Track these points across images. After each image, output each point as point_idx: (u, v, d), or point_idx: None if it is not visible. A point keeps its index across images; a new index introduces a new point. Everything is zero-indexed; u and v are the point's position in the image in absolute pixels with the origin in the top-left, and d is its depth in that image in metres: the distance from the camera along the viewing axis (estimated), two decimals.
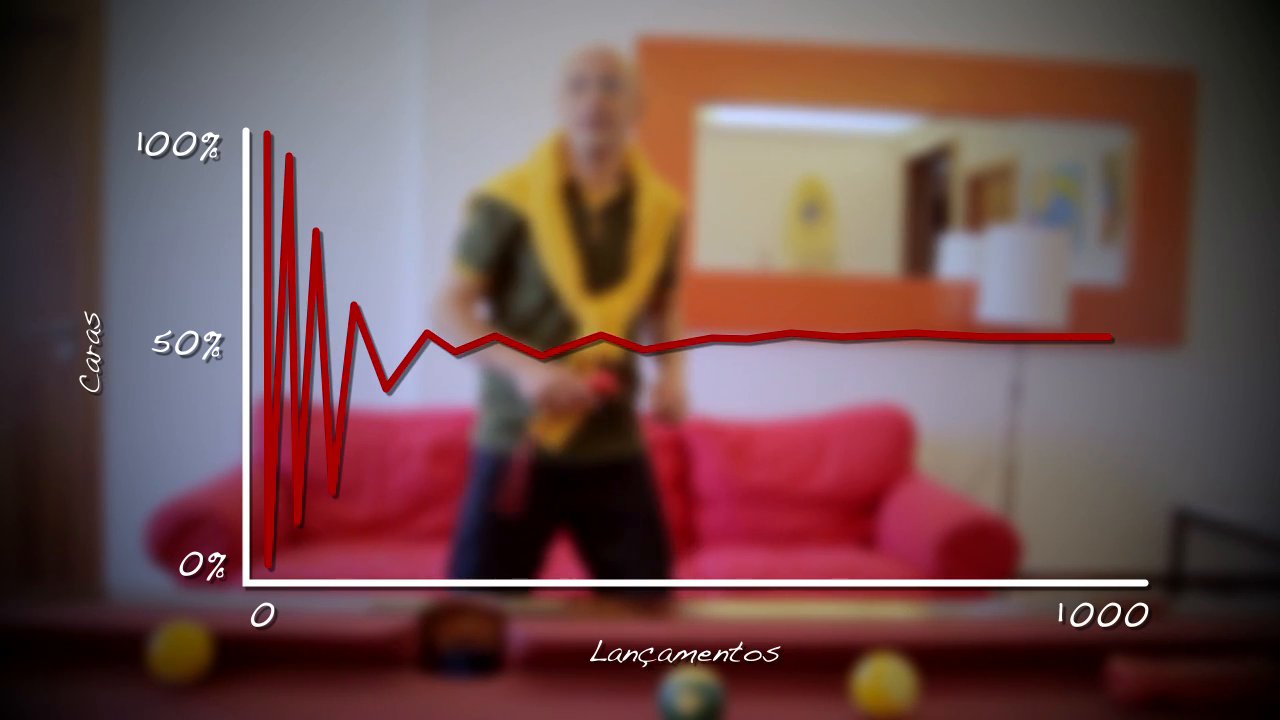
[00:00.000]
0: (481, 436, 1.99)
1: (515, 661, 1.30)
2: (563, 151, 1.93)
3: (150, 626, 1.22)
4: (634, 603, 1.69)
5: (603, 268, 1.90)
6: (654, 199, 1.95)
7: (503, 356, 1.84)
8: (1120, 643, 1.30)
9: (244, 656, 1.25)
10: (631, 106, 1.92)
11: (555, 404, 1.79)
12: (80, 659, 1.25)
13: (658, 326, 2.09)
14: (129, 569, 3.40)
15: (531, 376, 1.80)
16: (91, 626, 1.28)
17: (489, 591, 1.88)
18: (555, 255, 1.86)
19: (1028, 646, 1.33)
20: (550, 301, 1.89)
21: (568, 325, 1.88)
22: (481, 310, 1.98)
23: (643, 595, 1.96)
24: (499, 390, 1.95)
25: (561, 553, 2.06)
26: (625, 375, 1.95)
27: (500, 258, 1.91)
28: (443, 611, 1.36)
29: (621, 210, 1.94)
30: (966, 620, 1.49)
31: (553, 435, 1.89)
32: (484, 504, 1.94)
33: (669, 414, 1.90)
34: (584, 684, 1.26)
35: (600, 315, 1.86)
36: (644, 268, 1.92)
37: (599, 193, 1.92)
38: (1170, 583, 3.66)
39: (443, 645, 1.33)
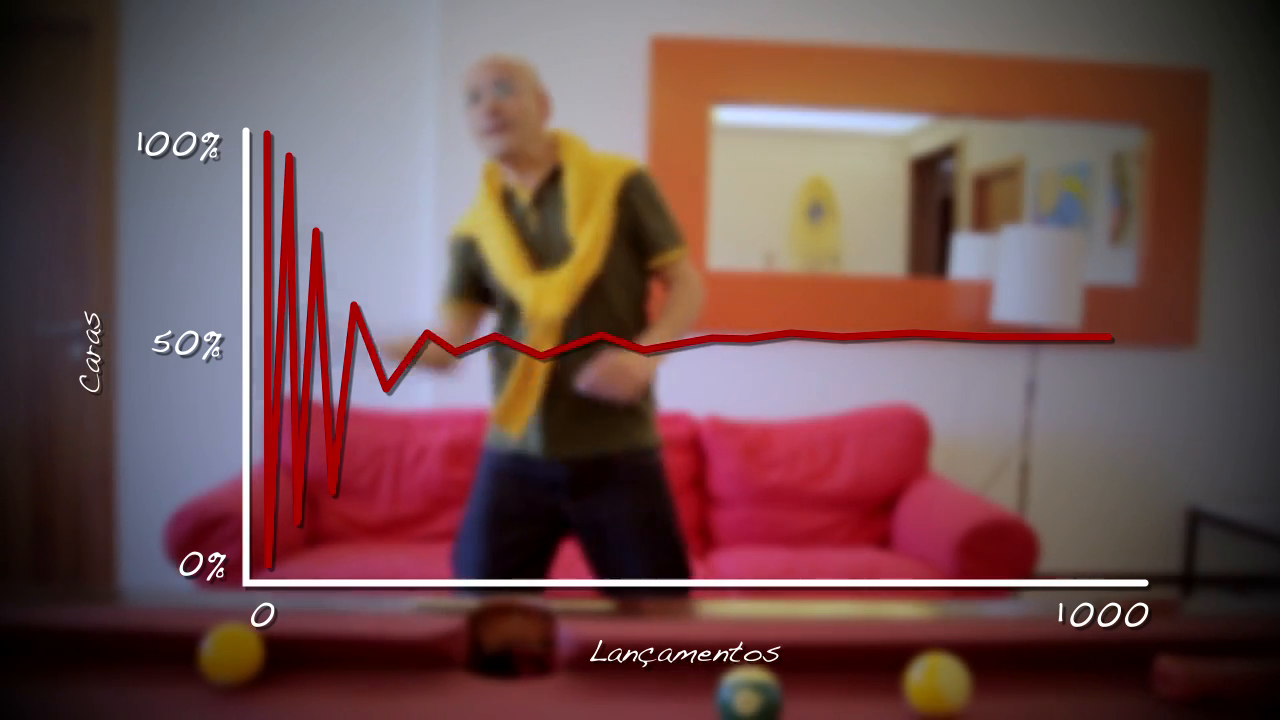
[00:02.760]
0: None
1: (561, 662, 1.30)
2: (494, 168, 1.98)
3: (196, 629, 1.22)
4: (653, 604, 1.67)
5: (547, 253, 1.90)
6: (581, 171, 1.91)
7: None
8: (1163, 641, 1.29)
9: (294, 658, 1.26)
10: (533, 105, 1.91)
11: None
12: (126, 661, 1.25)
13: (666, 304, 1.97)
14: (140, 569, 3.41)
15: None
16: (136, 629, 1.29)
17: (492, 591, 1.88)
18: (496, 254, 1.91)
19: (1070, 645, 1.33)
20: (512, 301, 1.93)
21: (514, 308, 1.91)
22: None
23: (654, 596, 1.93)
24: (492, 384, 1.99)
25: (570, 551, 2.05)
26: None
27: (469, 284, 2.00)
28: (485, 613, 1.36)
29: (554, 195, 1.93)
30: (1008, 619, 1.49)
31: (510, 424, 1.90)
32: (477, 497, 2.00)
33: (596, 380, 1.75)
34: (633, 685, 1.25)
35: (534, 288, 1.86)
36: (585, 237, 1.87)
37: (529, 187, 1.94)
38: (1184, 583, 3.64)
39: (486, 647, 1.33)
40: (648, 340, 1.88)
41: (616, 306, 1.91)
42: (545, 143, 1.94)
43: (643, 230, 1.93)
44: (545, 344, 1.85)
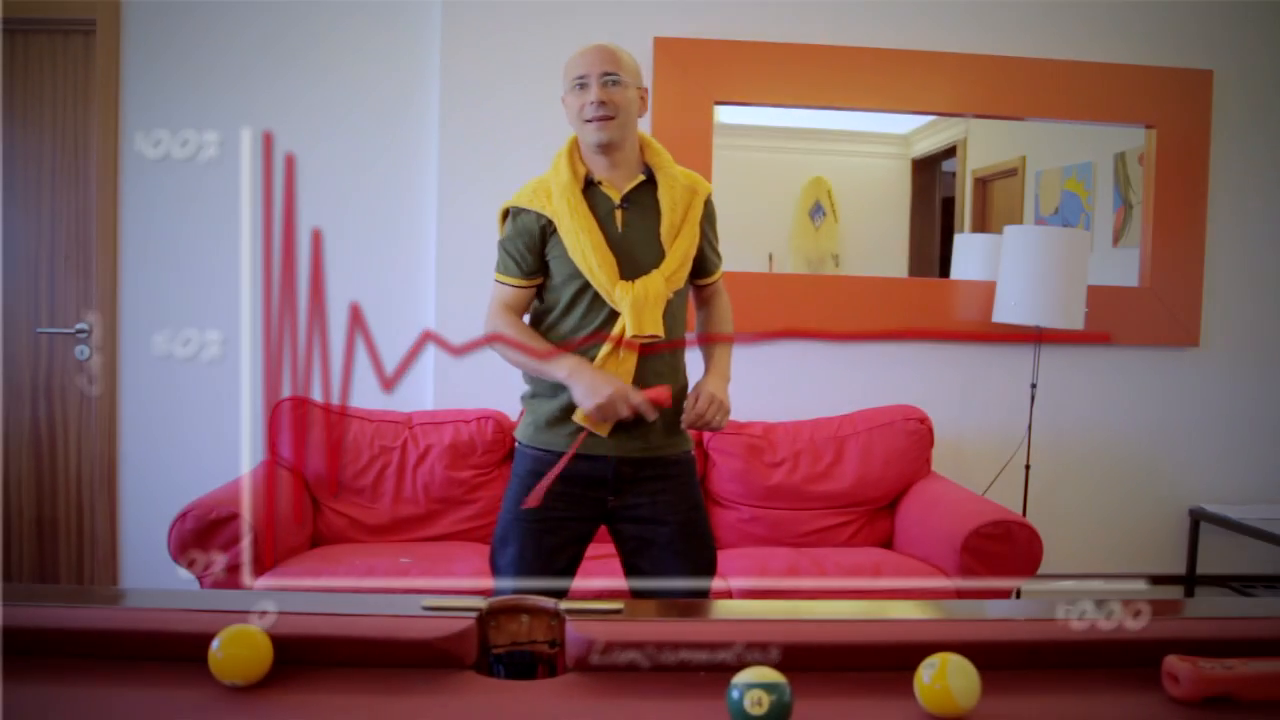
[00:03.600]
0: (522, 433, 2.02)
1: (570, 662, 1.29)
2: (576, 152, 1.97)
3: (201, 629, 1.22)
4: (665, 603, 1.68)
5: (633, 256, 1.92)
6: (677, 183, 1.98)
7: (559, 367, 1.87)
8: (1170, 641, 1.29)
9: (303, 658, 1.26)
10: (636, 99, 1.96)
11: (611, 415, 1.83)
12: (133, 662, 1.25)
13: (707, 320, 2.12)
14: (140, 569, 3.41)
15: (589, 388, 1.82)
16: (142, 629, 1.29)
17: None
18: (582, 250, 1.89)
19: (1077, 645, 1.32)
20: (587, 286, 1.92)
21: (604, 307, 1.92)
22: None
23: (680, 597, 1.95)
24: (542, 388, 1.97)
25: (595, 550, 2.05)
26: (674, 375, 1.96)
27: (536, 263, 1.96)
28: (493, 612, 1.35)
29: (643, 199, 1.96)
30: (1014, 618, 1.49)
31: (600, 427, 1.90)
32: (520, 500, 1.97)
33: (705, 419, 1.90)
34: (642, 685, 1.25)
35: (634, 296, 1.87)
36: (678, 251, 1.94)
37: (618, 185, 1.96)
38: (1186, 584, 3.63)
39: (496, 647, 1.33)
40: (723, 364, 2.01)
41: (676, 314, 1.97)
42: (636, 139, 1.99)
43: (707, 250, 2.05)
44: (629, 353, 1.87)
